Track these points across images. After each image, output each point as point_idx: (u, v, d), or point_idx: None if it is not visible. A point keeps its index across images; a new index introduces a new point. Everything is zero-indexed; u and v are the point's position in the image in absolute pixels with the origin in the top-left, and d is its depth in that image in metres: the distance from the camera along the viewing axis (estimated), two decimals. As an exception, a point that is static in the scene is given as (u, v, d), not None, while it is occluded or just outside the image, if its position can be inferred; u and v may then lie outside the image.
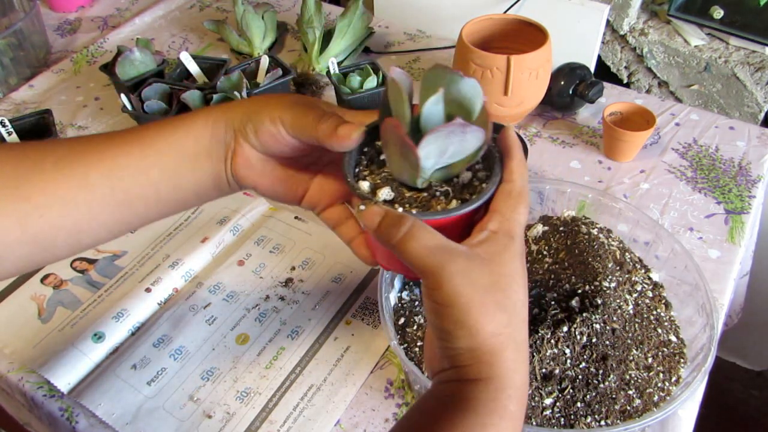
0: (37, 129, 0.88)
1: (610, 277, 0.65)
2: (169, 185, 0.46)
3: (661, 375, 0.61)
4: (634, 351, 0.62)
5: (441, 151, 0.39)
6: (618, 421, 0.57)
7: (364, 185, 0.43)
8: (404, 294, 0.69)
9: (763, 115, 1.11)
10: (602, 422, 0.57)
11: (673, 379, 0.61)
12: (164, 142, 0.45)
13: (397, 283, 0.70)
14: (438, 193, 0.42)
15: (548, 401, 0.58)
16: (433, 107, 0.39)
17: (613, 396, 0.58)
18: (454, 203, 0.41)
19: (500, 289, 0.38)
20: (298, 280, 0.76)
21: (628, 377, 0.60)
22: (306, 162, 0.49)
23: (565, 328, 0.60)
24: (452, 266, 0.37)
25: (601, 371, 0.60)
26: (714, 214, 0.83)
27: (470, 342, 0.38)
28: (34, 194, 0.42)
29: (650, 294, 0.68)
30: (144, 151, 0.45)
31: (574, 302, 0.62)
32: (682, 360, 0.62)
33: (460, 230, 0.41)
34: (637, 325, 0.64)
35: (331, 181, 0.50)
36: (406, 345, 0.64)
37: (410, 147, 0.38)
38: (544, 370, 0.59)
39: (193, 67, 0.98)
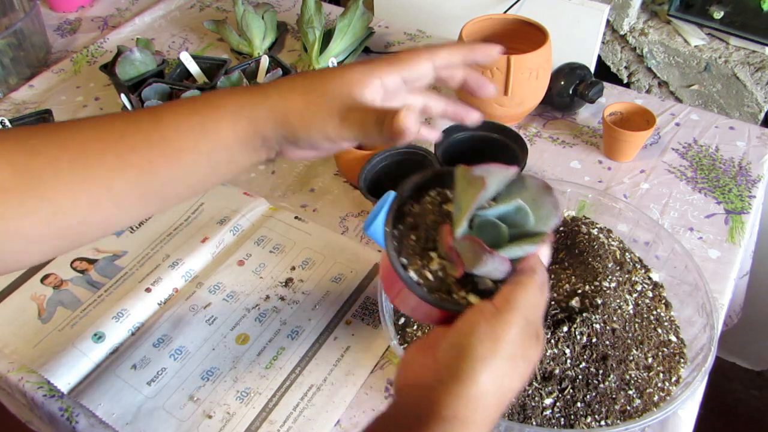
0: (37, 129, 0.88)
1: (610, 277, 0.65)
2: (204, 184, 0.46)
3: (661, 375, 0.61)
4: (634, 351, 0.62)
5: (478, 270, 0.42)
6: (618, 421, 0.57)
7: (413, 275, 0.44)
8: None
9: (763, 115, 1.11)
10: (602, 422, 0.57)
11: (673, 379, 0.61)
12: (193, 151, 0.43)
13: (397, 283, 0.70)
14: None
15: (548, 401, 0.58)
16: (492, 216, 0.42)
17: (613, 396, 0.58)
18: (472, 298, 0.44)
19: (523, 359, 0.40)
20: (298, 280, 0.76)
21: (628, 377, 0.60)
22: None
23: (565, 328, 0.60)
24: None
25: (601, 371, 0.60)
26: (714, 214, 0.83)
27: (478, 380, 0.39)
28: (57, 196, 0.41)
29: (650, 294, 0.68)
30: (171, 161, 0.43)
31: (574, 302, 0.62)
32: (682, 360, 0.62)
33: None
34: (637, 325, 0.64)
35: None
36: (406, 345, 0.64)
37: (456, 262, 0.42)
38: (544, 370, 0.59)
39: (193, 67, 0.98)
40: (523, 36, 0.92)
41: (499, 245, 0.41)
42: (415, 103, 0.48)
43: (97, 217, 0.43)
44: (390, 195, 0.46)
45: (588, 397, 0.58)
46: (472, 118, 0.50)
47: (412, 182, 0.46)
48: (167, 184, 0.44)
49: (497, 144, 0.83)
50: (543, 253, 0.44)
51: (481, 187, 0.42)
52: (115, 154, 0.42)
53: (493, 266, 0.41)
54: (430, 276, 0.43)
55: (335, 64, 0.96)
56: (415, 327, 0.66)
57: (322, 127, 0.43)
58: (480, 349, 0.39)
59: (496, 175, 0.43)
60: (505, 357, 0.39)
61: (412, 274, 0.43)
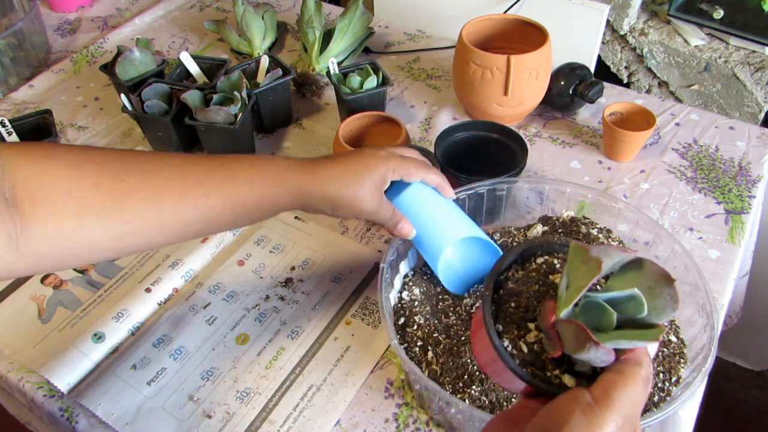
0: (37, 129, 0.88)
1: (610, 277, 0.65)
2: (258, 217, 0.58)
3: (661, 375, 0.61)
4: (634, 351, 0.62)
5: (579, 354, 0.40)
6: (618, 421, 0.57)
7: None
8: (404, 294, 0.69)
9: (763, 115, 1.11)
10: (602, 422, 0.57)
11: (673, 379, 0.61)
12: (255, 209, 0.57)
13: (397, 283, 0.70)
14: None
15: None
16: (601, 300, 0.40)
17: (613, 396, 0.58)
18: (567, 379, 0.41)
19: None
20: (298, 280, 0.76)
21: (628, 377, 0.60)
22: None
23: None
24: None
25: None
26: (714, 214, 0.83)
27: None
28: (134, 219, 0.50)
29: (650, 294, 0.68)
30: (234, 198, 0.55)
31: (574, 302, 0.62)
32: (682, 360, 0.62)
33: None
34: (637, 326, 0.64)
35: None
36: (406, 345, 0.64)
37: (555, 342, 0.40)
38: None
39: (193, 67, 0.98)
40: (523, 36, 0.92)
41: (604, 331, 0.39)
42: None
43: (161, 242, 0.53)
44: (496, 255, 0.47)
45: (588, 397, 0.58)
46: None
47: (519, 249, 0.45)
48: (224, 220, 0.56)
49: (497, 144, 0.83)
50: (651, 347, 0.41)
51: (597, 270, 0.39)
52: (193, 196, 0.53)
53: (596, 356, 0.38)
54: (524, 348, 0.41)
55: (335, 64, 0.96)
56: (415, 327, 0.66)
57: (356, 215, 0.61)
58: None
59: (613, 258, 0.40)
60: None
61: (507, 342, 0.41)
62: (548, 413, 0.38)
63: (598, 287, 0.42)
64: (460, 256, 0.69)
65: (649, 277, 0.40)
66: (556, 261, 0.45)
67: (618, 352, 0.38)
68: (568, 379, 0.40)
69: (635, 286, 0.39)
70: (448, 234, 0.65)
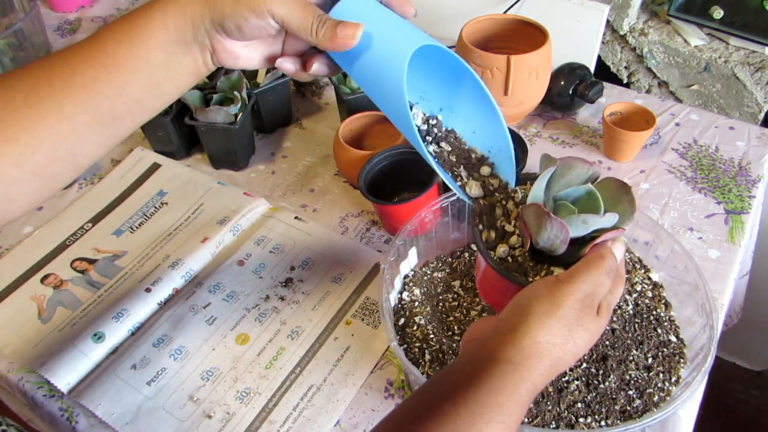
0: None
1: (610, 277, 0.65)
2: (150, 96, 0.46)
3: (661, 375, 0.61)
4: (634, 351, 0.62)
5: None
6: (618, 422, 0.57)
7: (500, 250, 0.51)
8: (404, 294, 0.69)
9: (763, 115, 1.11)
10: (602, 422, 0.57)
11: (673, 379, 0.61)
12: (130, 58, 0.44)
13: (398, 284, 0.70)
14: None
15: (548, 402, 0.58)
16: (563, 199, 0.49)
17: (613, 396, 0.58)
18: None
19: (579, 326, 0.44)
20: (298, 280, 0.76)
21: (628, 377, 0.60)
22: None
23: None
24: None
25: (601, 371, 0.60)
26: (714, 214, 0.83)
27: (532, 333, 0.43)
28: (19, 133, 0.42)
29: (650, 294, 0.68)
30: (112, 73, 0.44)
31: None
32: (682, 360, 0.62)
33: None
34: (636, 326, 0.64)
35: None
36: (406, 345, 0.64)
37: (524, 233, 0.49)
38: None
39: (193, 67, 0.98)
40: (523, 36, 0.92)
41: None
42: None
43: (61, 149, 0.44)
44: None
45: (588, 397, 0.58)
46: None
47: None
48: (114, 100, 0.44)
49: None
50: (617, 247, 0.47)
51: (553, 162, 0.47)
52: (62, 79, 0.43)
53: (553, 232, 0.45)
54: (510, 259, 0.50)
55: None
56: (415, 327, 0.66)
57: (255, 3, 0.43)
58: (537, 306, 0.44)
59: (575, 167, 0.48)
60: (560, 319, 0.43)
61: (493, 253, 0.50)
62: (521, 293, 0.46)
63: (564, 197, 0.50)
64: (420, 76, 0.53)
65: (610, 188, 0.48)
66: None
67: (584, 248, 0.47)
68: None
69: (600, 196, 0.47)
70: (407, 44, 0.45)
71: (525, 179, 0.53)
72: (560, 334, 0.43)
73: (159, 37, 0.44)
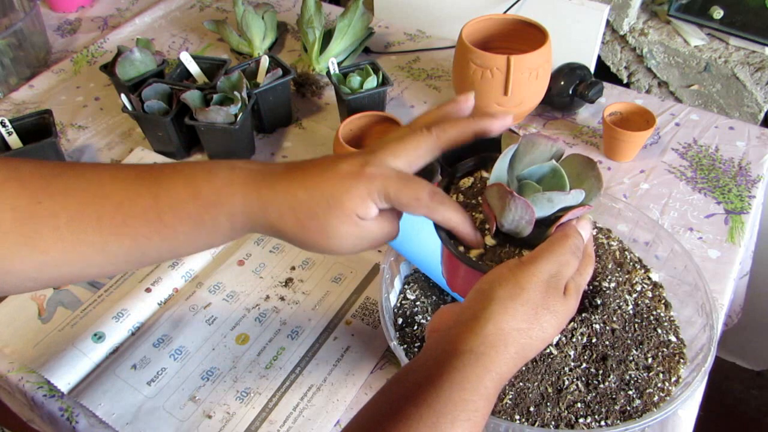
0: (37, 129, 0.88)
1: (609, 277, 0.65)
2: (194, 253, 0.47)
3: (661, 375, 0.61)
4: (634, 351, 0.62)
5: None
6: (618, 422, 0.57)
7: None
8: (404, 295, 0.69)
9: (763, 115, 1.11)
10: (602, 422, 0.57)
11: (673, 379, 0.61)
12: (188, 236, 0.44)
13: (398, 284, 0.70)
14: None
15: (548, 402, 0.58)
16: (528, 178, 0.46)
17: (613, 396, 0.58)
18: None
19: (545, 309, 0.42)
20: (298, 280, 0.76)
21: (628, 377, 0.60)
22: None
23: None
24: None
25: (601, 371, 0.60)
26: (714, 214, 0.83)
27: (495, 319, 0.41)
28: (53, 251, 0.42)
29: (650, 294, 0.68)
30: (166, 239, 0.44)
31: (574, 302, 0.62)
32: (682, 360, 0.62)
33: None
34: (636, 326, 0.64)
35: None
36: (406, 345, 0.64)
37: (489, 216, 0.46)
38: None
39: (193, 67, 0.98)
40: (523, 36, 0.92)
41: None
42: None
43: (90, 271, 0.45)
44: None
45: (588, 397, 0.58)
46: (468, 106, 0.49)
47: (463, 167, 0.52)
48: (161, 253, 0.45)
49: (497, 144, 0.82)
50: (583, 226, 0.46)
51: (516, 139, 0.45)
52: (111, 223, 0.43)
53: (517, 212, 0.43)
54: (484, 249, 0.47)
55: (335, 64, 0.96)
56: (415, 327, 0.66)
57: (313, 246, 0.44)
58: (500, 291, 0.41)
59: (539, 144, 0.47)
60: (525, 302, 0.41)
61: (463, 248, 0.47)
62: (484, 278, 0.44)
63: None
64: None
65: (576, 164, 0.47)
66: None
67: (548, 229, 0.45)
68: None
69: (565, 173, 0.45)
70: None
71: (486, 160, 0.51)
72: (525, 318, 0.41)
73: (223, 234, 0.45)
